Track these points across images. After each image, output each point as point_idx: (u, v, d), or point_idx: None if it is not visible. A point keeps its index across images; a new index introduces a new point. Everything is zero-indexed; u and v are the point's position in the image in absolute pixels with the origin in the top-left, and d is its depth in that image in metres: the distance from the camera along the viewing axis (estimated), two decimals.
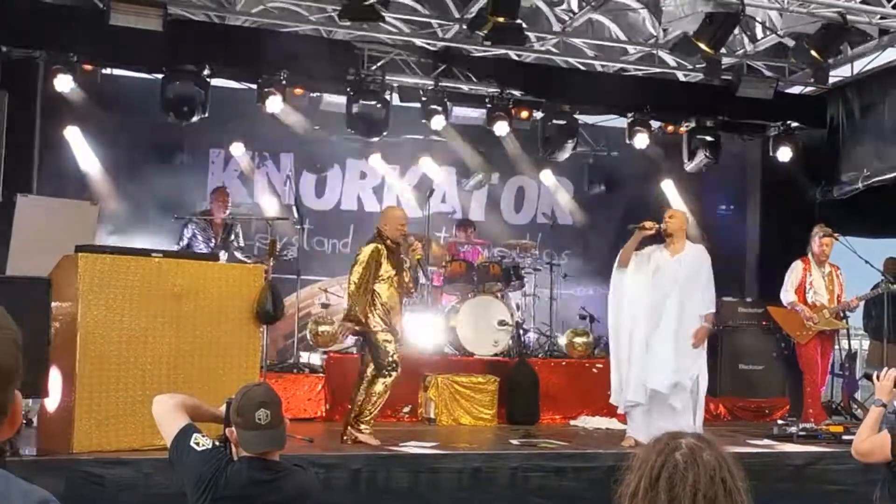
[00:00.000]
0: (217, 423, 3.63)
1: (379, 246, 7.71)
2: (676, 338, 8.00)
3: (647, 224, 8.09)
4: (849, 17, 9.12)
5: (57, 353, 6.38)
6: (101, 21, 9.06)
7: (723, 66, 11.04)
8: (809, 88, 11.97)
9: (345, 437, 7.66)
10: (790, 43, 10.54)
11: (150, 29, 9.06)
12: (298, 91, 10.97)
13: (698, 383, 8.10)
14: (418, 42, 11.29)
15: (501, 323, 9.98)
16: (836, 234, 9.37)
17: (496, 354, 10.04)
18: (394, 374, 7.70)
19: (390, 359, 7.67)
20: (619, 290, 8.26)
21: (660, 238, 8.20)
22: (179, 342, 6.89)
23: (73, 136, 10.71)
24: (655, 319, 8.03)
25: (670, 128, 12.38)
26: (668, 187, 13.04)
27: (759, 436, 8.76)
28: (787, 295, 9.44)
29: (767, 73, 11.62)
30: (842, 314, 9.57)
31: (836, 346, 10.13)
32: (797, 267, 9.45)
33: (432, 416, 9.30)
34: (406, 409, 9.54)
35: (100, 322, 6.58)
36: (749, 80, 11.17)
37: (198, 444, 3.47)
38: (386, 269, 7.70)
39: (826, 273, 9.41)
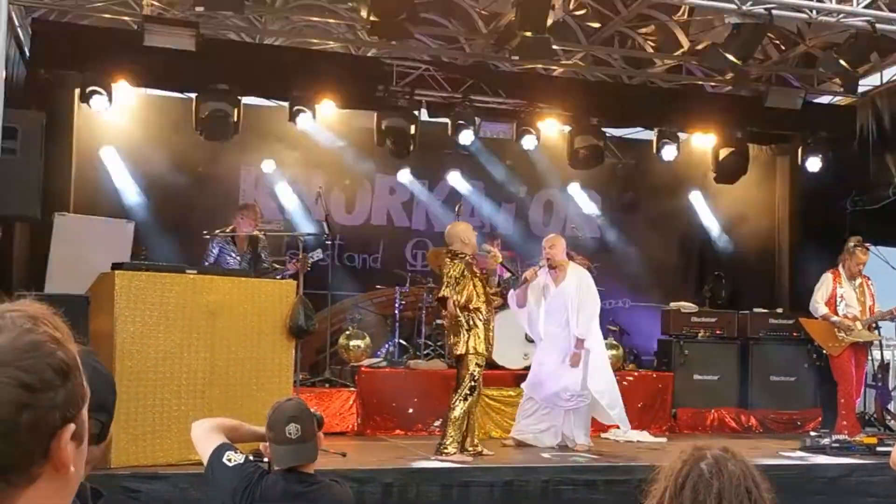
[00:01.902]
0: (261, 441, 3.69)
1: (460, 266, 7.82)
2: (564, 358, 8.69)
3: (529, 275, 8.66)
4: (878, 25, 9.09)
5: None
6: (135, 42, 9.24)
7: (751, 77, 11.05)
8: (839, 98, 11.93)
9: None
10: (819, 52, 10.53)
11: (184, 49, 9.22)
12: (328, 107, 11.09)
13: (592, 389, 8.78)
14: (446, 58, 11.40)
15: (530, 336, 9.99)
16: (868, 246, 9.34)
17: (526, 367, 10.05)
18: (471, 398, 7.90)
19: (474, 383, 7.88)
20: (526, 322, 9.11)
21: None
22: (214, 357, 6.99)
23: (109, 155, 10.89)
24: (552, 343, 8.78)
25: (698, 139, 12.37)
26: (697, 199, 13.04)
27: (791, 448, 8.72)
28: (819, 307, 9.40)
29: (796, 84, 11.60)
30: (874, 325, 9.50)
31: (870, 357, 10.06)
32: (827, 279, 9.42)
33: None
34: (437, 423, 9.57)
35: (136, 338, 6.69)
36: (777, 90, 11.16)
37: (230, 459, 3.55)
38: (476, 286, 7.84)
39: (857, 285, 9.38)
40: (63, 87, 10.01)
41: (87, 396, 1.27)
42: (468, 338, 7.76)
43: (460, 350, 7.79)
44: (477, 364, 7.81)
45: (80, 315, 6.33)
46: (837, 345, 9.30)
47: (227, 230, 9.69)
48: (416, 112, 11.25)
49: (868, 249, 9.34)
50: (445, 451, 7.65)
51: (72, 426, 1.22)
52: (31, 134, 7.21)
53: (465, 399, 7.79)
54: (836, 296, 9.34)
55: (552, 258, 8.67)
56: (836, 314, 9.30)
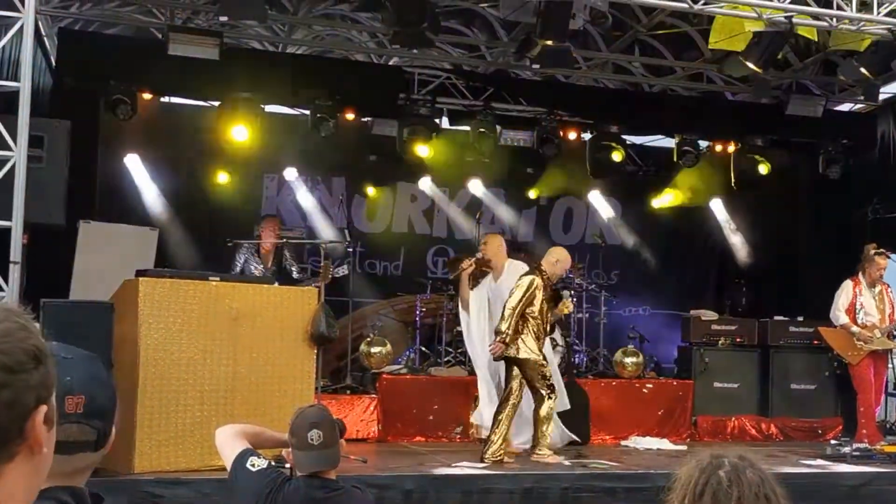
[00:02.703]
0: (283, 447, 3.74)
1: (538, 279, 8.10)
2: None
3: (465, 263, 8.53)
4: None
5: (118, 375, 6.56)
6: (160, 51, 9.35)
7: (771, 85, 11.04)
8: (859, 105, 11.90)
9: (485, 458, 7.89)
10: (839, 60, 10.51)
11: (208, 58, 9.32)
12: (350, 116, 11.18)
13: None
14: (467, 66, 11.46)
15: (551, 343, 10.00)
16: (887, 253, 9.32)
17: None
18: (553, 396, 8.08)
19: (548, 382, 8.03)
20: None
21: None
22: (236, 364, 7.05)
23: (133, 163, 11.01)
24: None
25: (719, 147, 12.37)
26: (717, 206, 13.03)
27: (812, 456, 8.70)
28: (839, 316, 9.38)
29: (816, 91, 11.58)
30: (893, 334, 9.47)
31: (890, 365, 10.02)
32: (847, 287, 9.40)
33: (483, 436, 9.35)
34: (457, 430, 9.62)
35: (160, 345, 6.76)
36: (798, 97, 11.15)
37: (253, 465, 3.59)
38: (539, 303, 8.09)
39: (877, 292, 9.35)
40: (88, 96, 10.13)
41: (54, 385, 1.36)
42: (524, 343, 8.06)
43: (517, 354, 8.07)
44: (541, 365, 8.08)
45: (105, 322, 6.40)
46: (856, 353, 9.28)
47: (252, 240, 9.80)
48: (437, 120, 11.31)
49: (888, 256, 9.30)
50: (541, 452, 8.03)
51: (44, 407, 1.31)
52: (57, 142, 7.29)
53: (549, 398, 8.07)
54: (857, 303, 9.32)
55: (484, 254, 8.63)
56: (856, 322, 9.28)
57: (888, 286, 9.45)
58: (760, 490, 2.20)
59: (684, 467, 2.32)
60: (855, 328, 9.27)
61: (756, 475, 2.23)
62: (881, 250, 9.35)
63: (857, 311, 9.32)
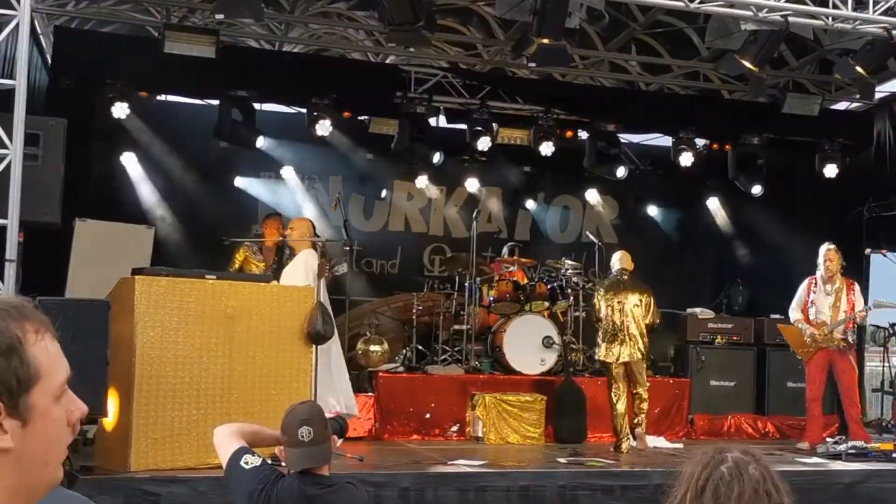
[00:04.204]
0: (280, 444, 3.74)
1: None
2: None
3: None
4: (894, 32, 9.08)
5: (115, 373, 6.57)
6: (156, 49, 9.35)
7: (767, 83, 11.05)
8: (856, 104, 11.92)
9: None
10: (835, 59, 10.52)
11: (204, 56, 9.32)
12: (347, 114, 11.18)
13: None
14: (464, 64, 11.46)
15: (548, 341, 10.03)
16: (836, 248, 9.20)
17: (543, 373, 10.09)
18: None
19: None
20: None
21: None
22: (233, 362, 7.04)
23: (129, 161, 11.01)
24: None
25: (715, 146, 12.38)
26: (714, 205, 13.04)
27: (807, 454, 8.71)
28: (794, 313, 9.39)
29: (813, 90, 11.59)
30: (843, 331, 9.21)
31: (886, 364, 10.01)
32: (803, 285, 9.40)
33: (480, 434, 9.38)
34: (454, 428, 9.63)
35: (156, 343, 6.76)
36: (794, 96, 11.16)
37: (247, 463, 3.61)
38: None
39: (833, 289, 9.24)
40: (84, 94, 10.10)
41: (35, 379, 1.34)
42: None
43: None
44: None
45: (101, 320, 6.41)
46: (807, 351, 9.29)
47: (253, 237, 9.79)
48: (433, 118, 11.31)
49: (838, 252, 9.19)
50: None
51: None
52: (53, 140, 7.27)
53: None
54: (809, 301, 9.29)
55: (288, 237, 8.56)
56: (808, 320, 9.25)
57: (852, 283, 9.32)
58: (761, 486, 2.20)
59: (687, 462, 2.32)
60: (802, 325, 9.27)
61: (758, 471, 2.23)
62: (831, 245, 9.26)
63: (809, 308, 9.28)
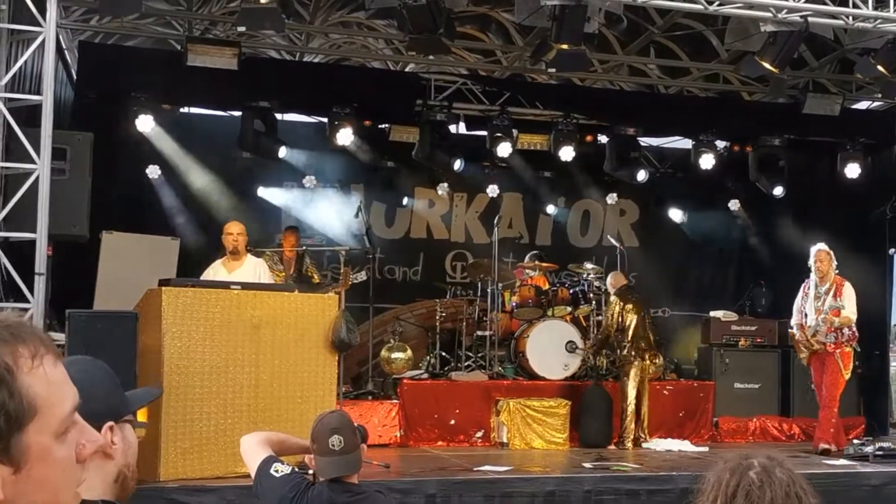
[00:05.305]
0: (308, 453, 3.78)
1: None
2: None
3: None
4: None
5: (143, 384, 6.62)
6: (178, 62, 9.45)
7: (788, 84, 11.03)
8: (877, 103, 11.86)
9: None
10: (856, 58, 10.48)
11: (226, 68, 9.41)
12: (367, 123, 11.24)
13: None
14: (483, 71, 11.50)
15: (571, 346, 10.05)
16: (825, 248, 9.05)
17: (567, 378, 10.11)
18: None
19: None
20: None
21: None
22: (259, 372, 7.10)
23: (154, 173, 11.11)
24: None
25: (736, 147, 12.35)
26: (735, 207, 13.01)
27: (834, 456, 8.68)
28: (793, 318, 9.28)
29: (833, 90, 11.55)
30: (825, 334, 8.92)
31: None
32: (800, 289, 9.28)
33: (505, 440, 9.40)
34: (479, 434, 9.66)
35: (183, 353, 6.82)
36: (815, 96, 11.12)
37: (277, 471, 3.65)
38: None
39: (824, 291, 9.03)
40: (109, 108, 10.24)
41: (30, 415, 1.15)
42: None
43: None
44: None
45: (129, 331, 6.48)
46: (804, 355, 9.22)
47: (274, 248, 9.86)
48: (453, 125, 11.36)
49: (829, 252, 9.02)
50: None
51: None
52: (80, 154, 7.39)
53: None
54: (801, 306, 9.17)
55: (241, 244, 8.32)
56: (803, 324, 9.11)
57: (842, 284, 9.05)
58: (791, 489, 2.23)
59: (712, 470, 2.34)
60: (792, 330, 9.21)
61: (786, 474, 2.26)
62: (822, 246, 9.10)
63: (802, 312, 9.15)
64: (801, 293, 9.26)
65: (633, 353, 9.61)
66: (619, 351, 9.75)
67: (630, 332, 9.64)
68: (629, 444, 9.45)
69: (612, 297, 9.91)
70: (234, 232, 8.27)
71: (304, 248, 9.87)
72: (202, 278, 7.95)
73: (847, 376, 9.08)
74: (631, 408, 9.52)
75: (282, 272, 9.67)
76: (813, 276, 9.13)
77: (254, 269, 8.31)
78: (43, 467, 1.15)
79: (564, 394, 9.81)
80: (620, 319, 9.70)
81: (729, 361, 10.86)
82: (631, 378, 9.56)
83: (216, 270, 8.19)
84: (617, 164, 11.83)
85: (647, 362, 9.70)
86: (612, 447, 9.45)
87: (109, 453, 1.68)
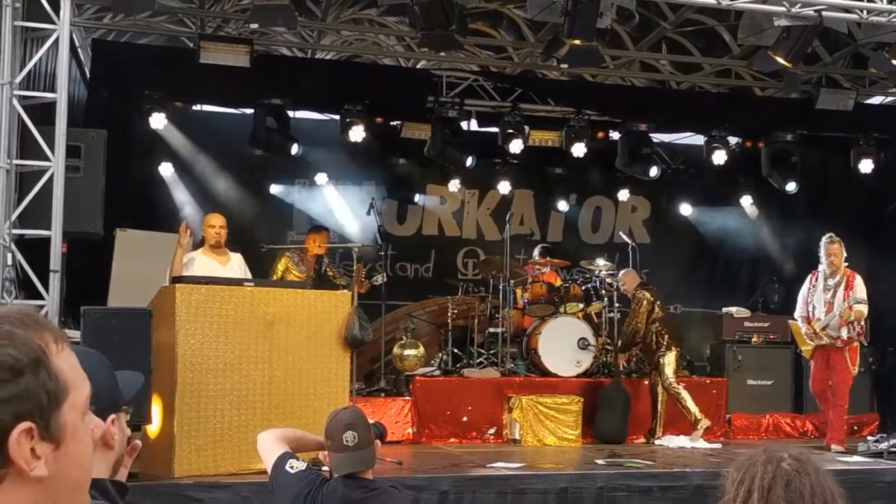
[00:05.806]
0: (323, 450, 3.80)
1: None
2: None
3: (182, 236, 8.01)
4: None
5: (157, 381, 6.66)
6: (191, 60, 9.47)
7: (801, 79, 10.99)
8: (890, 98, 11.81)
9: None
10: (870, 53, 10.43)
11: (238, 65, 9.42)
12: (379, 120, 11.25)
13: None
14: (494, 67, 11.49)
15: (583, 343, 10.04)
16: (835, 238, 8.87)
17: (579, 374, 10.10)
18: None
19: None
20: None
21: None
22: (273, 368, 7.12)
23: (167, 170, 11.15)
24: None
25: (748, 143, 12.32)
26: (747, 203, 12.98)
27: (848, 452, 8.65)
28: (798, 309, 9.12)
29: (846, 85, 11.50)
30: (836, 328, 8.77)
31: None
32: (806, 281, 9.12)
33: (517, 437, 9.40)
34: (491, 431, 9.66)
35: (197, 350, 6.83)
36: (828, 91, 11.08)
37: (292, 467, 3.67)
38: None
39: (834, 283, 8.84)
40: (122, 105, 10.28)
41: (64, 394, 1.20)
42: None
43: None
44: None
45: (144, 328, 6.49)
46: (807, 348, 9.10)
47: (295, 246, 9.79)
48: (465, 122, 11.36)
49: (841, 244, 8.78)
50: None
51: (25, 424, 1.15)
52: (94, 152, 7.40)
53: None
54: (809, 298, 9.00)
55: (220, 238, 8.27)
56: (809, 316, 8.96)
57: (853, 277, 8.85)
58: (825, 479, 2.29)
59: (735, 467, 2.35)
60: (798, 323, 9.06)
61: (813, 466, 2.31)
62: (834, 238, 8.90)
63: (809, 304, 8.99)
64: (807, 284, 9.10)
65: (669, 342, 9.75)
66: (655, 345, 9.76)
67: (661, 323, 9.83)
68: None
69: (640, 294, 9.86)
70: (217, 224, 8.15)
71: (319, 245, 9.77)
72: (176, 266, 7.81)
73: (855, 372, 8.96)
74: (667, 395, 9.67)
75: (302, 273, 9.47)
76: (822, 267, 8.92)
77: (240, 263, 8.25)
78: (76, 444, 1.22)
79: (577, 390, 9.80)
80: (649, 316, 9.77)
81: (742, 358, 10.84)
82: (669, 365, 9.67)
83: (202, 262, 8.00)
84: (629, 161, 11.81)
85: (676, 351, 9.85)
86: (641, 440, 9.60)
87: (112, 444, 1.73)
